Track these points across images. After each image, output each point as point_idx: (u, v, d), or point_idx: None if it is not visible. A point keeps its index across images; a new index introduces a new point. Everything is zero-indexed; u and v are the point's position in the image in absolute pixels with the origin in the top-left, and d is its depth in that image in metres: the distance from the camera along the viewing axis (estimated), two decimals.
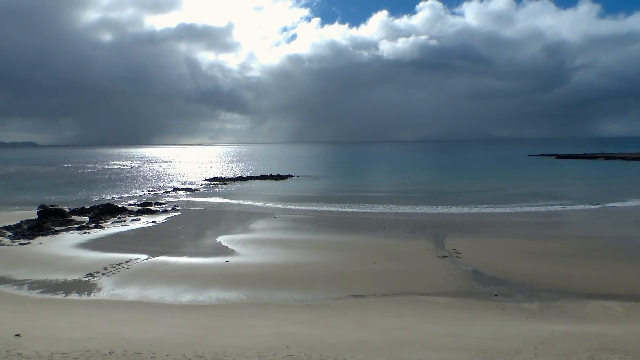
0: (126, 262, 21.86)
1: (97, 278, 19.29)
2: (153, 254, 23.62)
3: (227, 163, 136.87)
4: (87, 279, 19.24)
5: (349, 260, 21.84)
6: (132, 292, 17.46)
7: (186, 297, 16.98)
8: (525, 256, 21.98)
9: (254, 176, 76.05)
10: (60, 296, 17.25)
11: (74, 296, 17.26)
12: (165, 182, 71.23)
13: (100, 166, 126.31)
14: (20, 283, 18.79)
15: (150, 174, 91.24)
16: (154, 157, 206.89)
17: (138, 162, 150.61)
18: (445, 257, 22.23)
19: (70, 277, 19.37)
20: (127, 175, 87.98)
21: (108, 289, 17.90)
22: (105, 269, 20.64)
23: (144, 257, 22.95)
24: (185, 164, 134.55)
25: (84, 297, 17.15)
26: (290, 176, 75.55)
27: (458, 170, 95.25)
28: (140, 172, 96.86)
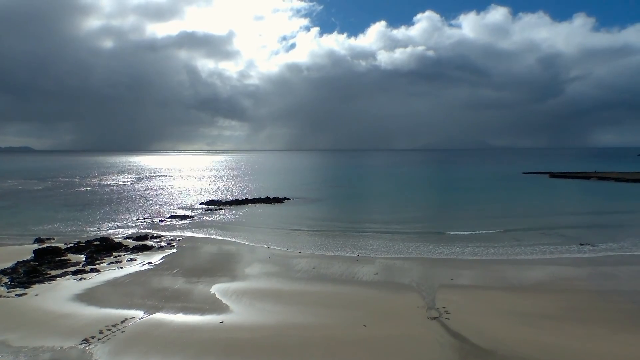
0: (121, 322, 22.23)
1: (93, 345, 19.63)
2: (148, 309, 24.01)
3: (224, 180, 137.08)
4: (82, 346, 19.58)
5: (340, 321, 22.29)
6: None
7: None
8: (512, 318, 22.51)
9: (249, 199, 76.45)
10: None
11: None
12: (161, 205, 71.54)
13: (97, 182, 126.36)
14: (16, 351, 19.13)
15: (147, 193, 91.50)
16: (152, 169, 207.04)
17: (135, 176, 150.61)
18: (435, 318, 22.74)
19: (66, 344, 19.71)
20: (124, 196, 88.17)
21: None
22: (101, 332, 21.00)
23: (139, 314, 23.33)
24: (182, 180, 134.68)
25: None
26: (286, 199, 76.11)
27: (452, 191, 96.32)
28: (137, 191, 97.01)
